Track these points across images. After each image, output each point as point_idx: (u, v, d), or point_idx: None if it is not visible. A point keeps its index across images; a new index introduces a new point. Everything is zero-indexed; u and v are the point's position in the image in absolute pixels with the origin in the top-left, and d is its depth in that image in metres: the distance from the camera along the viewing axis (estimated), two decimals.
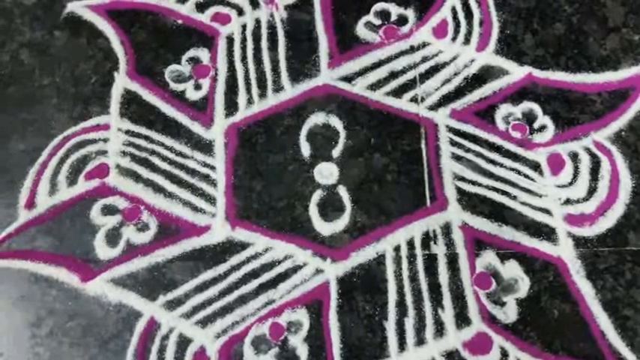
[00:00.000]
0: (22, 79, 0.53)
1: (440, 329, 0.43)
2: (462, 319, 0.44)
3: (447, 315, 0.44)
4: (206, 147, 0.50)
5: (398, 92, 0.51)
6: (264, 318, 0.44)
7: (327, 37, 0.53)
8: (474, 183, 0.48)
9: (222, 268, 0.46)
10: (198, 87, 0.52)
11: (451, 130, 0.50)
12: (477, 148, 0.49)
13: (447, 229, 0.46)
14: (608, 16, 0.53)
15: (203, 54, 0.53)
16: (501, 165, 0.48)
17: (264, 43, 0.53)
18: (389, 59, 0.52)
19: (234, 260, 0.46)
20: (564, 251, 0.45)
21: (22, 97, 0.52)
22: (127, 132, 0.51)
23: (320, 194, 0.48)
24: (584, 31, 0.53)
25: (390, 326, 0.44)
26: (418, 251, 0.46)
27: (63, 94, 0.52)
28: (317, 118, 0.50)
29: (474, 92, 0.51)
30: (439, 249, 0.46)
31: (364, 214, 0.47)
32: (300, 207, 0.47)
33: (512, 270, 0.45)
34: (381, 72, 0.52)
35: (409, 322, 0.44)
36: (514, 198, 0.47)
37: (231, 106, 0.51)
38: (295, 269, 0.46)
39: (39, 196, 0.49)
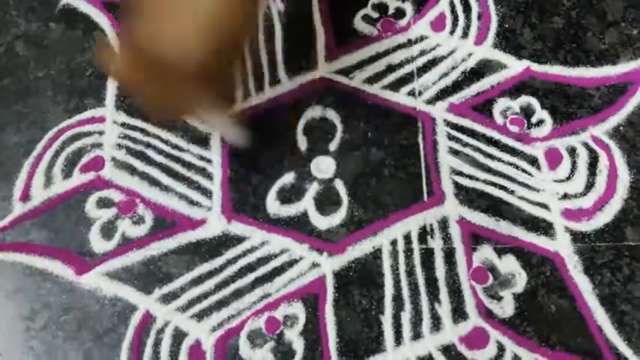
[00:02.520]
0: (17, 72, 0.53)
1: (436, 323, 0.43)
2: (459, 314, 0.43)
3: (444, 309, 0.44)
4: (202, 140, 0.49)
5: (395, 86, 0.51)
6: (260, 312, 0.44)
7: (324, 29, 0.53)
8: (471, 177, 0.48)
9: (218, 262, 0.46)
10: None
11: (449, 124, 0.49)
12: (475, 143, 0.49)
13: (444, 223, 0.46)
14: (607, 10, 0.53)
15: None
16: (499, 159, 0.48)
17: (261, 36, 0.53)
18: (386, 52, 0.52)
19: (230, 254, 0.46)
20: (562, 246, 0.45)
21: (17, 90, 0.52)
22: (123, 125, 0.50)
23: (316, 188, 0.48)
24: (583, 25, 0.53)
25: (387, 320, 0.43)
26: (415, 245, 0.45)
27: (58, 87, 0.52)
28: (314, 112, 0.50)
29: (471, 86, 0.50)
30: (436, 243, 0.46)
31: (361, 208, 0.47)
32: (296, 200, 0.47)
33: (509, 264, 0.45)
34: (379, 65, 0.51)
35: (406, 316, 0.44)
36: (511, 192, 0.47)
37: None
38: (291, 263, 0.45)
39: (34, 189, 0.48)
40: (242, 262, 0.45)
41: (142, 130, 0.50)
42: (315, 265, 0.45)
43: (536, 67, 0.51)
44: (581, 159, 0.48)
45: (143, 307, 0.44)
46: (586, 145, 0.48)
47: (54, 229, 0.47)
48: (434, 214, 0.46)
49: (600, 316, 0.43)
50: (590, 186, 0.47)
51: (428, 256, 0.45)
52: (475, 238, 0.45)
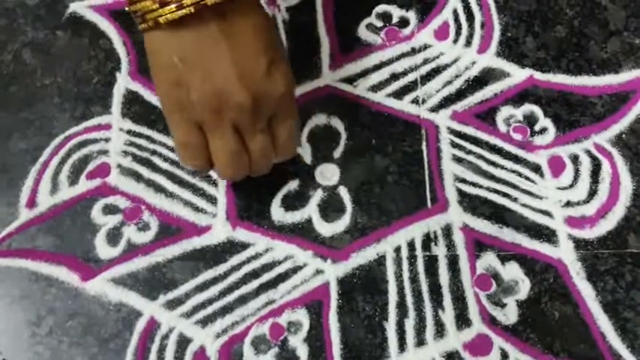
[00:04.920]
0: (24, 79, 0.53)
1: (440, 330, 0.43)
2: (463, 321, 0.44)
3: (448, 316, 0.44)
4: None
5: (399, 94, 0.51)
6: (264, 318, 0.44)
7: (328, 38, 0.53)
8: (474, 185, 0.48)
9: (222, 268, 0.46)
10: None
11: (452, 131, 0.50)
12: (478, 150, 0.49)
13: (447, 230, 0.46)
14: (609, 19, 0.53)
15: None
16: (502, 167, 0.48)
17: None
18: (390, 61, 0.52)
19: (235, 260, 0.46)
20: (565, 253, 0.45)
21: (24, 97, 0.52)
22: (129, 132, 0.51)
23: (321, 195, 0.48)
24: (586, 34, 0.53)
25: (391, 327, 0.44)
26: (419, 252, 0.46)
27: (65, 94, 0.52)
28: (318, 120, 0.50)
29: (475, 94, 0.51)
30: (440, 250, 0.46)
31: (365, 215, 0.47)
32: (300, 207, 0.47)
33: (512, 272, 0.45)
34: (383, 73, 0.52)
35: (409, 323, 0.44)
36: (515, 200, 0.47)
37: None
38: (295, 270, 0.46)
39: (40, 195, 0.49)
40: (246, 269, 0.46)
41: (148, 138, 0.50)
42: (319, 271, 0.45)
43: (539, 76, 0.51)
44: (583, 167, 0.48)
45: (148, 313, 0.45)
46: (589, 152, 0.48)
47: (60, 236, 0.47)
48: (437, 221, 0.47)
49: (603, 323, 0.43)
50: (593, 193, 0.47)
51: (431, 263, 0.45)
52: (478, 245, 0.46)
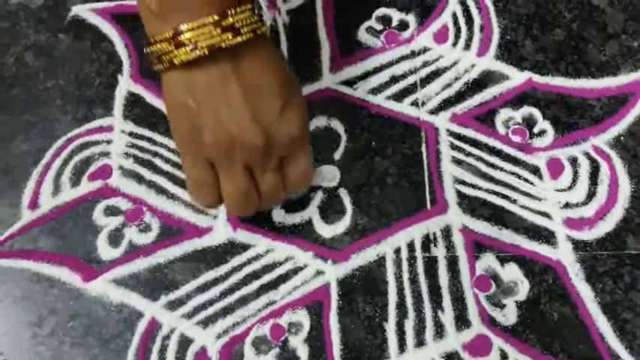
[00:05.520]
0: (27, 81, 0.53)
1: (440, 331, 0.44)
2: (462, 321, 0.44)
3: (447, 317, 0.44)
4: None
5: (399, 96, 0.51)
6: (264, 319, 0.44)
7: (329, 41, 0.54)
8: (474, 186, 0.48)
9: (223, 269, 0.46)
10: None
11: (452, 134, 0.50)
12: (477, 152, 0.49)
13: (447, 232, 0.47)
14: (607, 22, 0.54)
15: None
16: (501, 169, 0.49)
17: None
18: (390, 64, 0.53)
19: (236, 261, 0.46)
20: (563, 254, 0.46)
21: (26, 99, 0.53)
22: (130, 134, 0.51)
23: (321, 196, 0.48)
24: (584, 37, 0.53)
25: (390, 328, 0.44)
26: (418, 254, 0.46)
27: (67, 96, 0.53)
28: (318, 122, 0.51)
29: (474, 97, 0.51)
30: (439, 252, 0.46)
31: (365, 216, 0.47)
32: (301, 209, 0.48)
33: (511, 273, 0.45)
34: (383, 76, 0.52)
35: (409, 324, 0.44)
36: (514, 201, 0.47)
37: None
38: (296, 270, 0.46)
39: (42, 197, 0.49)
40: (247, 270, 0.46)
41: (150, 140, 0.50)
42: (319, 272, 0.46)
43: (537, 79, 0.52)
44: (582, 169, 0.48)
45: (149, 313, 0.45)
46: (587, 155, 0.49)
47: (62, 237, 0.47)
48: (437, 223, 0.47)
49: (602, 324, 0.43)
50: (591, 195, 0.47)
51: (431, 264, 0.45)
52: (478, 246, 0.46)
